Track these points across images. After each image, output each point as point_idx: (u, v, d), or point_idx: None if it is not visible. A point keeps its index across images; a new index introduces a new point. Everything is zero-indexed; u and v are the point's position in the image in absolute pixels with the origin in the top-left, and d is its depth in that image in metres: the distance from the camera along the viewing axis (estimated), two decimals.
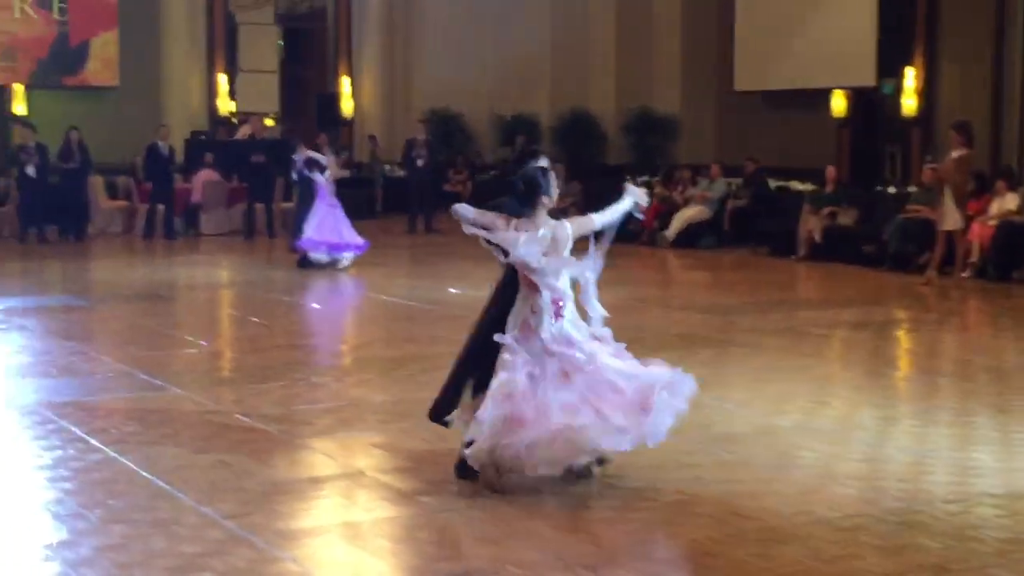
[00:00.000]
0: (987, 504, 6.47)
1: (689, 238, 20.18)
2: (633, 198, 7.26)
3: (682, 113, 24.44)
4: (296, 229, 16.94)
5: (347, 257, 16.56)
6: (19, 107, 23.08)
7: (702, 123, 24.36)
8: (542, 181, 6.99)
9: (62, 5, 23.33)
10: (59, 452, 7.52)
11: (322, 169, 16.67)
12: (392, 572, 5.63)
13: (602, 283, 15.31)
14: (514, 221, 6.99)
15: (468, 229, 7.12)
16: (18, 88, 23.13)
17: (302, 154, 17.17)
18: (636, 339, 11.48)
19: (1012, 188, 16.57)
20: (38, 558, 5.68)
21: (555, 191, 7.07)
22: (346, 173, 16.98)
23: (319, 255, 16.36)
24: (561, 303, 6.92)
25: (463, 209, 7.12)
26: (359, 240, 16.70)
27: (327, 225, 16.41)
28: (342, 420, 8.50)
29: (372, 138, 26.12)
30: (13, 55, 23.07)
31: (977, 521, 6.19)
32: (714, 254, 19.29)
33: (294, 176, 17.67)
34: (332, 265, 16.39)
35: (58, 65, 23.44)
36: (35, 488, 6.87)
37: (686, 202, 20.65)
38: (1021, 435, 7.95)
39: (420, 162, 22.90)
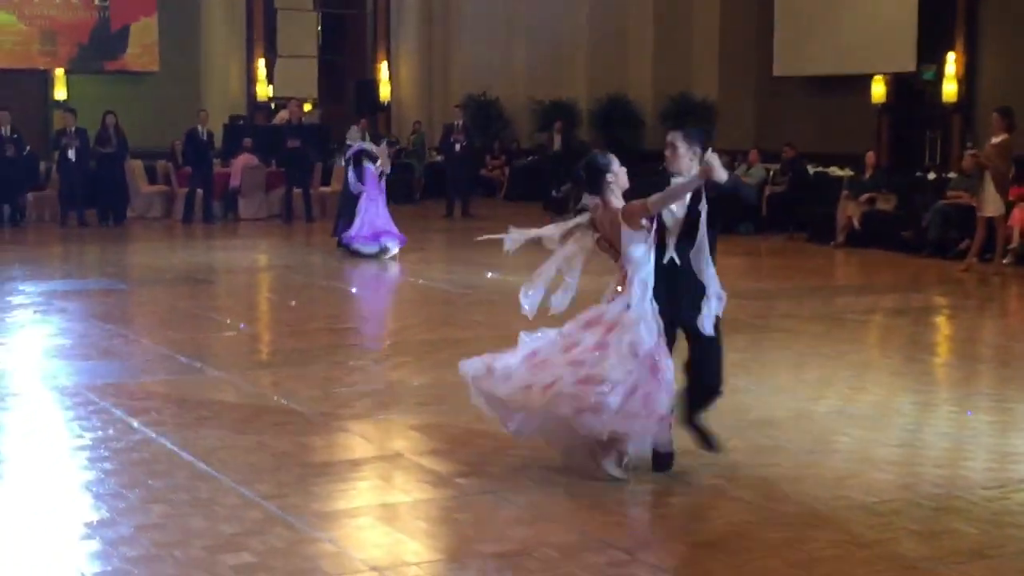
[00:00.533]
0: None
1: (727, 224, 20.10)
2: (709, 163, 6.88)
3: (720, 99, 24.36)
4: (339, 217, 16.82)
5: (391, 244, 16.42)
6: (60, 92, 23.17)
7: (740, 109, 24.26)
8: (601, 162, 7.03)
9: None
10: (99, 433, 7.58)
11: (373, 159, 16.54)
12: (429, 553, 5.65)
13: None
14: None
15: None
16: (59, 73, 23.21)
17: (356, 143, 17.01)
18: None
19: None
20: (78, 536, 5.73)
21: (619, 168, 7.04)
22: (387, 169, 16.74)
23: (365, 246, 16.20)
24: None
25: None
26: (399, 233, 16.59)
27: (370, 219, 16.34)
28: (380, 403, 8.53)
29: (417, 123, 26.06)
30: (53, 39, 23.16)
31: (1015, 507, 6.17)
32: (752, 240, 19.22)
33: (343, 162, 17.44)
34: (380, 254, 16.25)
35: (98, 50, 23.51)
36: (76, 468, 6.93)
37: None
38: None
39: (458, 147, 22.90)
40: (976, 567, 5.38)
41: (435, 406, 8.38)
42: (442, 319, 12.62)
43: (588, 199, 7.11)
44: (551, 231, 7.36)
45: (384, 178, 16.60)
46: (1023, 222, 16.02)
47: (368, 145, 16.89)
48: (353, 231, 16.20)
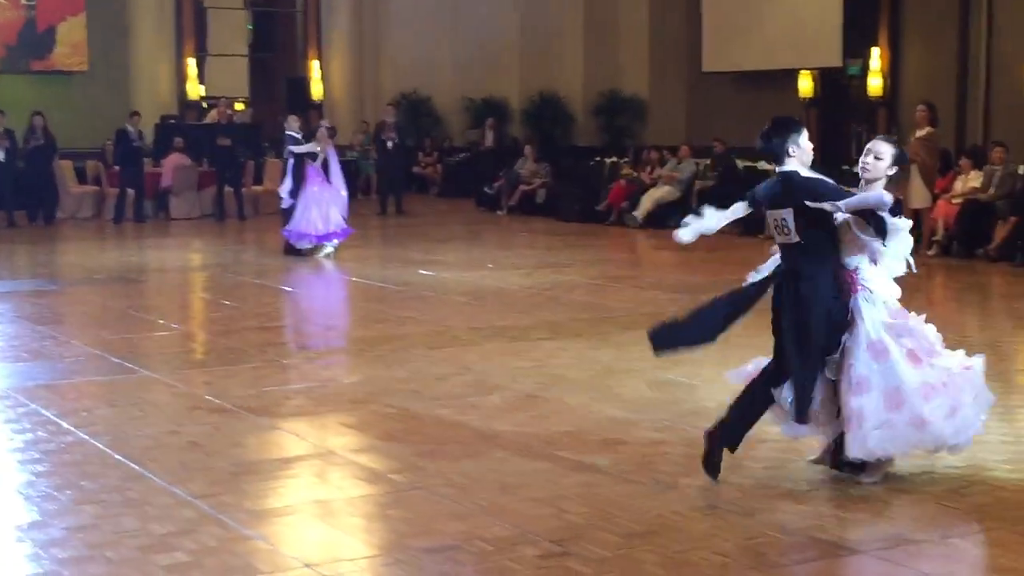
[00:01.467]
0: (948, 471, 6.53)
1: (658, 218, 20.19)
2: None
3: (650, 95, 24.51)
4: (285, 213, 16.65)
5: (330, 245, 16.35)
6: None
7: (670, 104, 24.40)
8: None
9: None
10: (30, 435, 7.51)
11: (314, 157, 16.42)
12: (363, 549, 5.65)
13: (574, 263, 15.46)
14: None
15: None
16: None
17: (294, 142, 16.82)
18: (607, 318, 11.59)
19: (977, 167, 16.67)
20: (10, 539, 5.67)
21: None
22: (328, 151, 16.63)
23: (303, 244, 16.18)
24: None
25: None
26: (343, 226, 16.54)
27: (314, 213, 16.19)
28: (312, 401, 8.50)
29: (364, 122, 25.85)
30: None
31: (932, 482, 6.25)
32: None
33: (286, 156, 17.26)
34: (314, 252, 16.22)
35: (26, 50, 23.28)
36: (6, 470, 6.85)
37: (655, 183, 20.69)
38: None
39: (390, 144, 22.87)
40: (898, 552, 5.46)
41: (368, 403, 8.35)
42: (376, 316, 12.59)
43: None
44: (714, 224, 7.30)
45: (330, 164, 16.51)
46: (947, 214, 16.25)
47: (307, 147, 16.64)
48: (293, 224, 16.13)
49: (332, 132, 17.14)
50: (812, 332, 6.43)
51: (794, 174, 6.69)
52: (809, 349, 6.44)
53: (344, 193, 16.79)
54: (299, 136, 16.77)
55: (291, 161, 16.56)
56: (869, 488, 6.29)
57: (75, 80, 23.57)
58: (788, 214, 6.60)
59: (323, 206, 16.21)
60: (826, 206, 6.46)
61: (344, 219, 16.61)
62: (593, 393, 8.48)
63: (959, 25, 19.50)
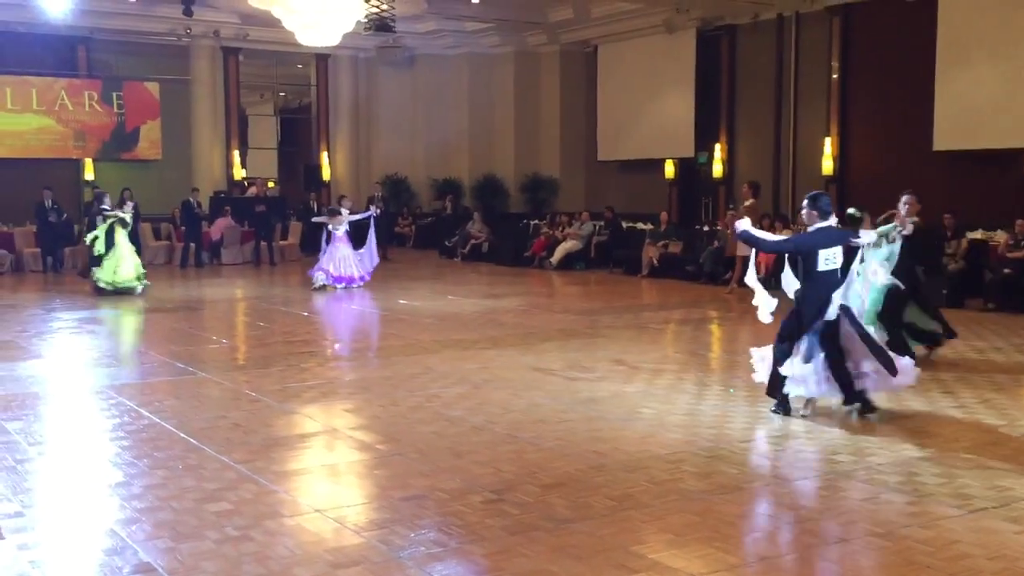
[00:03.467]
0: (768, 442, 6.60)
1: (567, 263, 20.30)
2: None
3: (561, 176, 24.67)
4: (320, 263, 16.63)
5: (342, 287, 16.19)
6: (89, 175, 22.69)
7: (575, 182, 24.59)
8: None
9: (119, 101, 22.94)
10: (117, 420, 7.39)
11: (326, 227, 16.53)
12: (357, 498, 5.61)
13: (508, 294, 15.38)
14: None
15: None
16: (88, 161, 22.77)
17: (319, 215, 17.25)
18: (531, 333, 11.60)
19: (786, 227, 16.90)
20: (103, 494, 5.59)
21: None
22: (354, 217, 16.83)
23: (319, 277, 16.18)
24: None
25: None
26: (360, 274, 16.42)
27: (333, 263, 16.18)
28: (323, 393, 8.44)
29: (372, 196, 25.64)
30: (84, 137, 22.67)
31: (762, 453, 6.32)
32: (584, 274, 19.43)
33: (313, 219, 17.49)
34: (324, 288, 16.12)
35: (117, 144, 23.05)
36: (100, 445, 6.76)
37: (565, 238, 20.78)
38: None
39: (378, 211, 22.74)
40: (736, 495, 5.48)
41: (361, 395, 8.32)
42: (367, 333, 12.53)
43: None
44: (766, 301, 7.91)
45: (342, 233, 16.45)
46: (768, 261, 16.42)
47: (325, 218, 16.74)
48: (322, 267, 16.17)
49: (333, 212, 17.01)
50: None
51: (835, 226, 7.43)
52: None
53: (371, 252, 16.75)
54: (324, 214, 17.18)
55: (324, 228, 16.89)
56: (710, 451, 6.35)
57: (153, 166, 23.35)
58: (839, 250, 7.33)
59: (340, 258, 16.20)
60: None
61: (367, 271, 16.57)
62: (520, 386, 8.49)
63: (774, 127, 19.81)
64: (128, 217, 15.86)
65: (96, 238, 15.56)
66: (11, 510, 5.26)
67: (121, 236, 15.60)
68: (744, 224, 7.58)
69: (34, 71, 22.08)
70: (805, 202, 7.42)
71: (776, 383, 7.32)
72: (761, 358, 7.68)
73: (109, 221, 15.57)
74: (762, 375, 7.61)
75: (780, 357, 7.29)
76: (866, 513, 5.15)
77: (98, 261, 15.55)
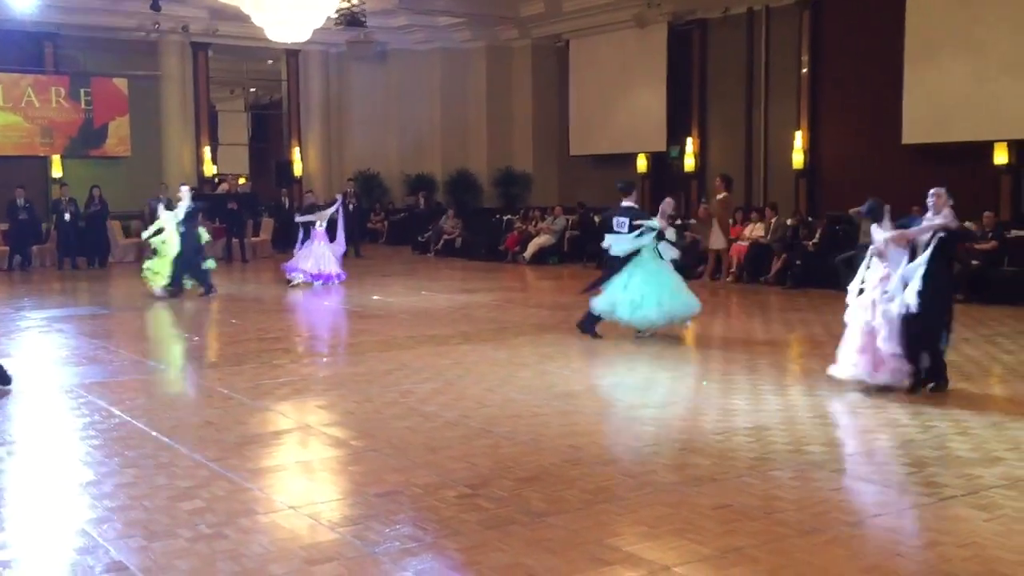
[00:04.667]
0: (741, 434, 6.63)
1: (540, 257, 20.34)
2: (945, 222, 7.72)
3: (534, 171, 24.69)
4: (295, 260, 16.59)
5: (320, 283, 16.14)
6: (57, 172, 22.46)
7: (548, 177, 24.62)
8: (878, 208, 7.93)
9: (87, 97, 22.72)
10: (87, 418, 7.33)
11: (313, 222, 16.44)
12: (331, 494, 5.59)
13: (481, 289, 15.36)
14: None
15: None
16: (56, 158, 22.55)
17: (304, 215, 17.09)
18: (505, 328, 11.61)
19: (758, 220, 17.01)
20: (74, 493, 5.55)
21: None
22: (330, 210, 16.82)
23: (296, 276, 16.16)
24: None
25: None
26: (337, 271, 16.34)
27: (312, 260, 16.14)
28: (295, 390, 8.41)
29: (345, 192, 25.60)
30: (51, 134, 22.43)
31: (735, 446, 6.34)
32: (557, 268, 19.47)
33: (297, 219, 17.35)
34: (301, 285, 16.12)
35: (85, 141, 22.83)
36: (71, 444, 6.70)
37: (538, 233, 20.81)
38: (764, 387, 8.15)
39: (353, 207, 22.74)
40: (709, 487, 5.51)
41: (335, 391, 8.29)
42: (341, 329, 12.50)
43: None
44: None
45: (322, 227, 16.42)
46: (740, 253, 16.54)
47: (311, 217, 16.68)
48: (298, 266, 16.15)
49: (317, 208, 17.15)
50: None
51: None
52: None
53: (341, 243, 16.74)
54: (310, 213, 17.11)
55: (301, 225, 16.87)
56: (683, 443, 6.38)
57: (121, 163, 23.13)
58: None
59: (318, 256, 16.15)
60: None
61: (340, 256, 16.55)
62: (495, 381, 8.49)
63: (745, 122, 19.92)
64: (180, 215, 15.09)
65: (160, 230, 15.02)
66: None
67: (172, 236, 14.95)
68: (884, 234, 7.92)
69: (0, 67, 21.83)
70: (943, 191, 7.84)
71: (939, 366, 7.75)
72: (845, 356, 7.93)
73: (157, 226, 15.08)
74: (839, 371, 7.88)
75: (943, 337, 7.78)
76: (837, 503, 5.19)
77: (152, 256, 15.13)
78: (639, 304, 10.33)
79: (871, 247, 7.99)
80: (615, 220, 10.70)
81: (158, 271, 14.82)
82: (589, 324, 10.70)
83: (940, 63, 16.38)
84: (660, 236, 10.55)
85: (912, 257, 7.66)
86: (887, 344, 7.60)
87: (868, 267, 7.96)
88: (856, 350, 7.76)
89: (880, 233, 7.84)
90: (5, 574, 4.35)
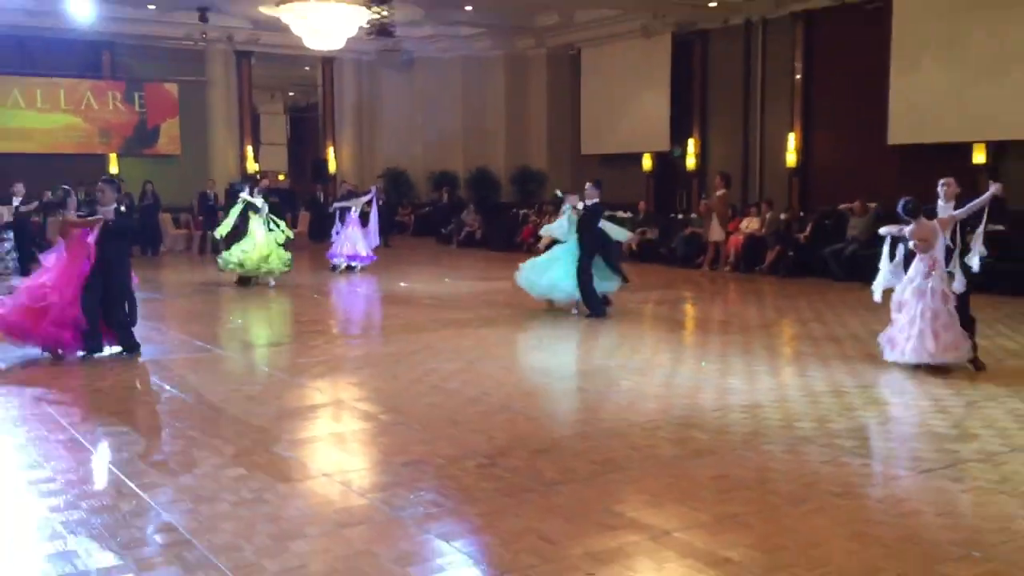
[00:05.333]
0: (737, 411, 6.61)
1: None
2: (991, 191, 7.72)
3: (548, 169, 24.57)
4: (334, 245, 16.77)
5: (359, 265, 16.41)
6: (113, 169, 22.56)
7: (561, 175, 24.43)
8: (912, 204, 7.71)
9: (141, 101, 22.79)
10: (138, 392, 7.38)
11: (349, 208, 16.67)
12: (361, 463, 5.61)
13: (500, 278, 15.29)
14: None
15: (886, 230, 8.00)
16: (112, 156, 22.66)
17: (341, 200, 17.26)
18: (521, 313, 11.59)
19: (754, 214, 16.92)
20: (130, 461, 5.57)
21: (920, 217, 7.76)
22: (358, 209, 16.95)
23: (339, 261, 16.34)
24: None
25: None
26: (367, 253, 16.59)
27: (348, 243, 16.39)
28: (330, 368, 8.44)
29: (345, 182, 25.68)
30: (108, 134, 22.54)
31: (731, 422, 6.33)
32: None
33: (334, 207, 17.45)
34: (350, 269, 16.33)
35: (139, 141, 22.92)
36: (127, 416, 6.73)
37: None
38: (759, 368, 8.13)
39: (381, 202, 22.74)
40: (708, 459, 5.49)
41: (366, 369, 8.32)
42: (371, 313, 12.51)
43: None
44: (887, 264, 8.07)
45: (357, 214, 16.63)
46: (737, 245, 16.45)
47: (349, 202, 16.89)
48: (334, 250, 16.36)
49: (353, 194, 17.51)
50: None
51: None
52: None
53: (373, 231, 16.98)
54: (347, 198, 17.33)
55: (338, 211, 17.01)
56: (684, 420, 6.36)
57: (172, 160, 23.20)
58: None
59: (355, 239, 16.36)
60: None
61: (372, 249, 16.74)
62: (513, 360, 8.50)
63: (743, 124, 19.77)
64: (259, 203, 14.80)
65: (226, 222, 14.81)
66: (43, 475, 5.25)
67: (255, 223, 14.64)
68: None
69: (62, 73, 21.94)
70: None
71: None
72: (888, 339, 7.92)
73: (240, 206, 14.78)
74: (891, 355, 7.85)
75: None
76: (825, 475, 5.17)
77: (227, 244, 14.85)
78: (561, 279, 11.06)
79: (900, 240, 7.90)
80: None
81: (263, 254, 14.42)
82: (596, 306, 10.85)
83: (923, 70, 16.22)
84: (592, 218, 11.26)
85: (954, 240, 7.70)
86: (954, 324, 7.60)
87: (892, 258, 7.93)
88: (918, 334, 7.63)
89: (913, 229, 7.71)
90: (66, 533, 4.38)
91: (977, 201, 7.79)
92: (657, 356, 8.74)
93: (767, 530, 4.36)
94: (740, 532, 4.33)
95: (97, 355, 8.54)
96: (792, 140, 18.62)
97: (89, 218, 8.70)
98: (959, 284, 7.69)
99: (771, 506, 4.69)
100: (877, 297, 8.14)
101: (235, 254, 14.50)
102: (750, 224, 16.67)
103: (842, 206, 15.52)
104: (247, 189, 15.18)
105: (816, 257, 15.41)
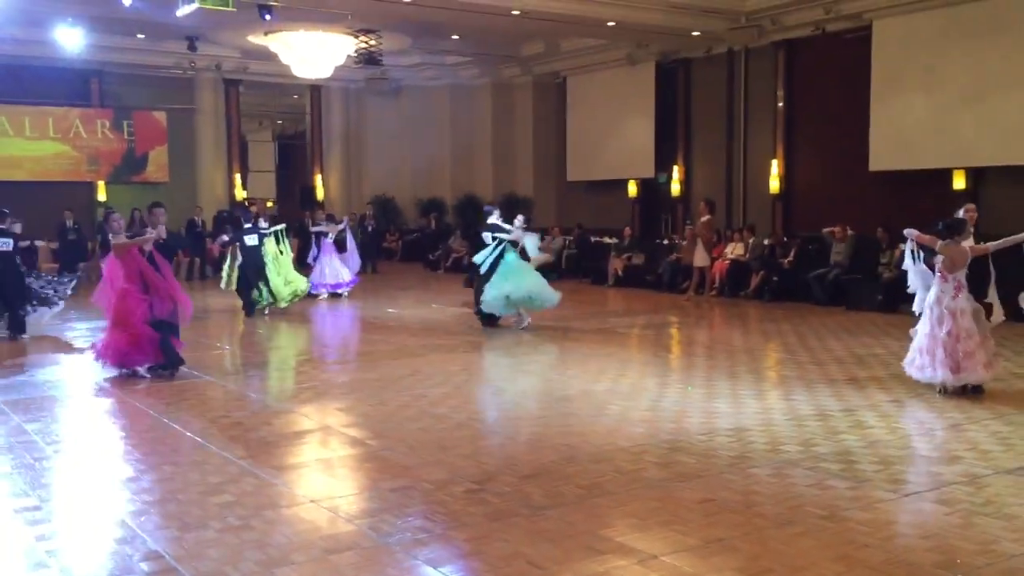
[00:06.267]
0: (723, 435, 6.61)
1: (540, 274, 20.28)
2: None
3: (535, 194, 24.65)
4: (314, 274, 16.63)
5: (345, 291, 16.46)
6: (102, 196, 22.53)
7: (547, 201, 24.57)
8: (957, 223, 7.77)
9: (130, 129, 22.81)
10: (128, 420, 7.34)
11: (326, 234, 16.67)
12: (348, 489, 5.57)
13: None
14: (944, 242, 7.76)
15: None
16: (101, 184, 22.62)
17: (317, 226, 17.14)
18: (508, 338, 11.57)
19: (738, 240, 17.00)
20: (115, 488, 5.53)
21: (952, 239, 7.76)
22: (333, 236, 16.87)
23: (321, 291, 16.29)
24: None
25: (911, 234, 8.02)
26: (351, 278, 16.68)
27: (328, 271, 16.37)
28: (317, 393, 8.40)
29: (355, 214, 25.59)
30: (97, 161, 22.50)
31: (717, 445, 6.32)
32: (555, 284, 19.34)
33: (312, 230, 17.45)
34: (335, 296, 16.36)
35: (128, 168, 22.89)
36: (112, 443, 6.69)
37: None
38: (745, 392, 8.14)
39: (370, 228, 22.85)
40: (694, 483, 5.49)
41: (353, 394, 8.28)
42: (358, 338, 12.47)
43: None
44: (916, 281, 8.10)
45: (331, 240, 16.63)
46: (721, 270, 16.52)
47: (324, 227, 16.81)
48: (314, 279, 16.21)
49: (332, 218, 17.46)
50: None
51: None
52: None
53: (353, 256, 17.03)
54: (321, 224, 17.12)
55: (313, 237, 17.07)
56: (670, 444, 6.35)
57: (161, 188, 23.12)
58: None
59: (335, 267, 16.35)
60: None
61: (355, 274, 16.82)
62: (502, 385, 8.48)
63: (726, 151, 19.91)
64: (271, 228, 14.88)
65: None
66: (29, 504, 5.19)
67: (272, 250, 14.61)
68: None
69: (51, 101, 21.94)
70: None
71: None
72: (910, 361, 7.95)
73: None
74: (921, 375, 7.85)
75: None
76: (811, 498, 5.17)
77: (259, 279, 14.40)
78: (508, 295, 11.93)
79: (924, 250, 7.96)
80: (484, 235, 12.58)
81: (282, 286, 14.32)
82: (488, 319, 12.26)
83: (903, 97, 16.40)
84: (514, 244, 12.38)
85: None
86: (986, 343, 7.65)
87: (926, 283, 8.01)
88: (962, 356, 7.57)
89: (947, 245, 7.72)
90: (52, 562, 4.33)
91: (1014, 238, 7.81)
92: (644, 380, 8.74)
93: (754, 553, 4.35)
94: (727, 555, 4.32)
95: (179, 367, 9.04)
96: (775, 166, 18.77)
97: (138, 238, 9.17)
98: (997, 316, 7.75)
99: (757, 529, 4.69)
100: (918, 308, 8.11)
101: (286, 288, 14.38)
102: (735, 249, 16.74)
103: (825, 230, 15.64)
104: (255, 221, 14.99)
105: (800, 282, 15.48)
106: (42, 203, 20.69)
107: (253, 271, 14.21)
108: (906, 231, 8.14)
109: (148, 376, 8.98)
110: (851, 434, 6.62)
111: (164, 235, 9.42)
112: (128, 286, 8.88)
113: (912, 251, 8.11)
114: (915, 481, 5.48)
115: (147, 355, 9.00)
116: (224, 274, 14.80)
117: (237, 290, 14.44)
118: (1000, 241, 7.80)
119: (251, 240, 14.35)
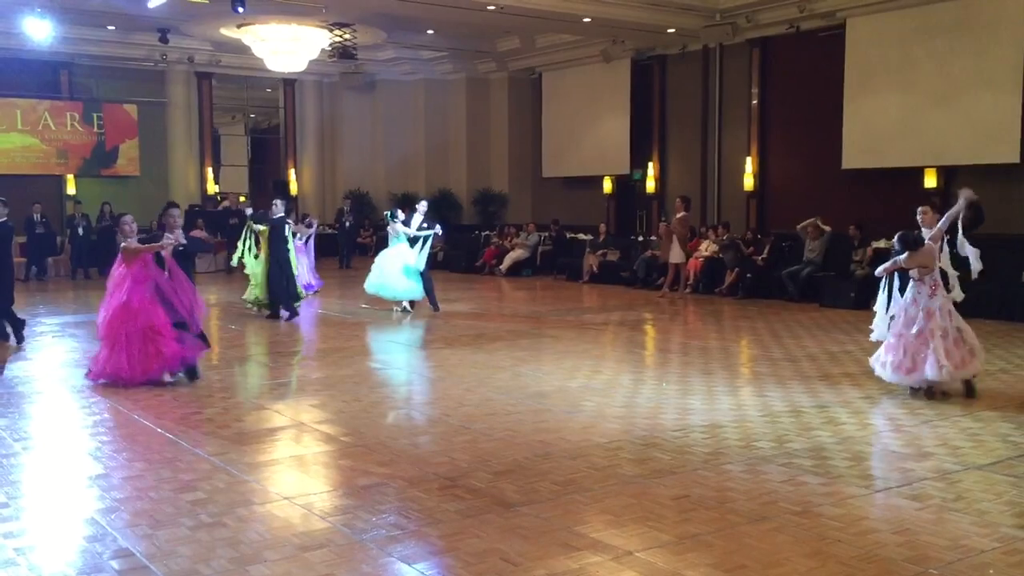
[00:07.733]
0: (697, 431, 6.64)
1: (515, 270, 20.34)
2: (963, 197, 7.82)
3: (510, 191, 24.69)
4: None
5: (308, 293, 16.00)
6: (71, 190, 22.27)
7: (522, 197, 24.62)
8: (916, 237, 7.80)
9: (100, 122, 22.58)
10: (98, 416, 7.25)
11: (295, 235, 16.26)
12: (322, 486, 5.54)
13: (461, 299, 15.33)
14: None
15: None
16: (70, 177, 22.36)
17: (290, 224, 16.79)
18: (482, 334, 11.57)
19: (713, 237, 17.09)
20: (83, 485, 5.46)
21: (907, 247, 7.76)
22: (305, 235, 16.58)
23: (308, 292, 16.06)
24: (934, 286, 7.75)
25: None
26: (316, 281, 16.48)
27: (304, 273, 16.00)
28: (291, 390, 8.36)
29: (339, 210, 25.36)
30: (66, 155, 22.26)
31: (692, 441, 6.35)
32: (531, 280, 19.46)
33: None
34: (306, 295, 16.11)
35: (97, 162, 22.66)
36: (82, 440, 6.60)
37: (513, 247, 20.81)
38: (719, 388, 8.19)
39: (348, 223, 22.77)
40: (669, 479, 5.50)
41: (327, 391, 8.23)
42: (332, 335, 12.41)
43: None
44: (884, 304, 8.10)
45: (306, 240, 16.36)
46: (696, 267, 16.60)
47: (300, 228, 16.34)
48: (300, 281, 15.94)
49: (304, 221, 17.11)
50: None
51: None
52: None
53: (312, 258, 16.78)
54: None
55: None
56: (645, 440, 6.37)
57: (131, 181, 22.96)
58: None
59: (303, 267, 16.11)
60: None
61: (315, 276, 16.52)
62: (473, 382, 8.46)
63: (701, 148, 20.02)
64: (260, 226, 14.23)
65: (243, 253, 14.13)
66: None
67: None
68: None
69: (19, 94, 21.66)
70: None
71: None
72: (877, 358, 7.93)
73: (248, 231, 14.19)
74: (883, 373, 7.83)
75: None
76: (784, 493, 5.21)
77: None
78: (369, 281, 13.32)
79: (900, 272, 7.93)
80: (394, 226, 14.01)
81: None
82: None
83: (876, 96, 16.55)
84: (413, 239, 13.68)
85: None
86: (962, 341, 7.65)
87: (889, 292, 8.01)
88: (932, 353, 7.54)
89: (913, 257, 7.71)
90: (20, 560, 4.27)
91: (952, 210, 7.91)
92: (618, 376, 8.76)
93: (728, 549, 4.38)
94: (701, 551, 4.34)
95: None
96: (749, 164, 18.89)
97: (155, 243, 8.48)
98: (958, 293, 7.82)
99: (731, 525, 4.71)
100: (877, 336, 8.11)
101: (257, 288, 13.89)
102: (709, 247, 16.83)
103: (799, 227, 15.76)
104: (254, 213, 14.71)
105: (773, 279, 15.60)
106: (9, 196, 20.23)
107: (281, 267, 13.58)
108: (879, 271, 8.01)
109: (172, 381, 8.42)
110: (824, 430, 6.68)
111: (183, 240, 8.65)
112: (133, 296, 8.25)
113: (886, 285, 8.06)
114: (887, 477, 5.53)
115: (175, 358, 8.26)
116: (240, 252, 14.11)
117: (268, 293, 13.68)
118: (944, 218, 7.89)
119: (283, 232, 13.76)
